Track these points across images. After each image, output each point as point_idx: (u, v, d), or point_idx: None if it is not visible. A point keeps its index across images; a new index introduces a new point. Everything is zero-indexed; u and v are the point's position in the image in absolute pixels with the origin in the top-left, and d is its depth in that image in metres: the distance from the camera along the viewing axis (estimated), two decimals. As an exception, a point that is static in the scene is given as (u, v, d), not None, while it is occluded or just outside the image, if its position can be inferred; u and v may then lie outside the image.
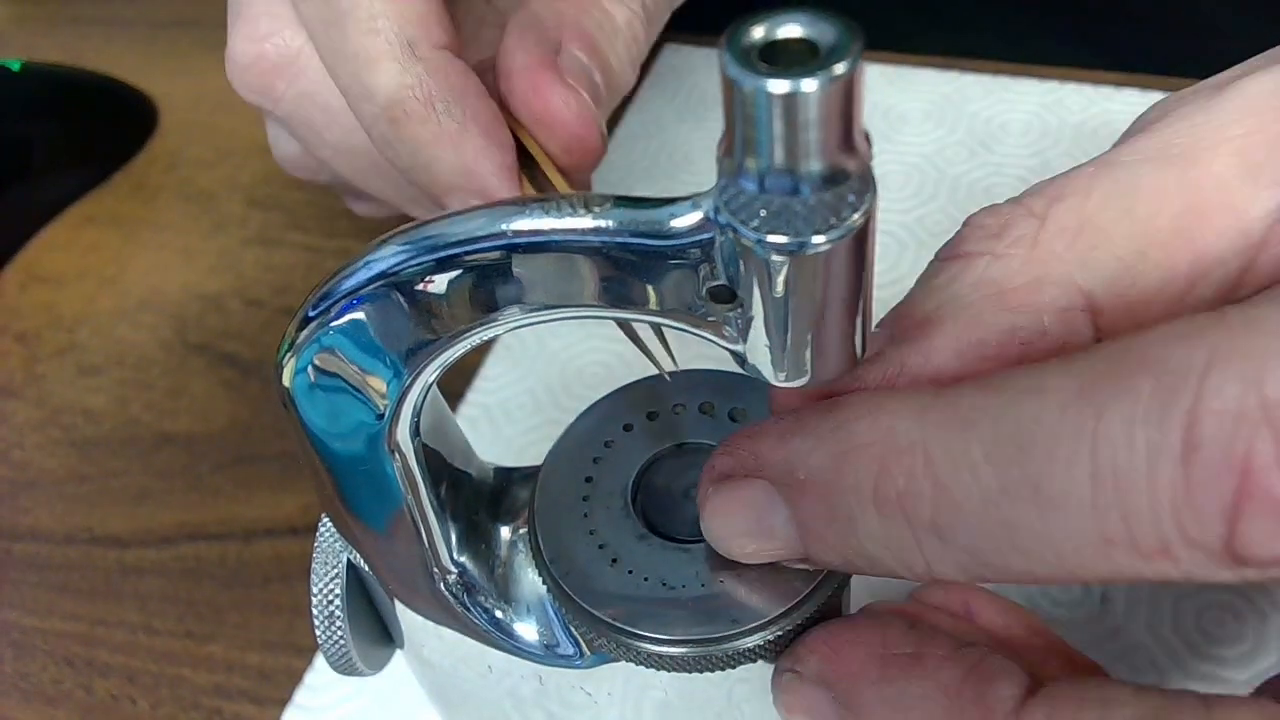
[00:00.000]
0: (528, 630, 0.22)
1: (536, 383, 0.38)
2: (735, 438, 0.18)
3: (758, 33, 0.13)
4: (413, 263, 0.17)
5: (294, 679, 0.32)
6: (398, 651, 0.25)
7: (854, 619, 0.19)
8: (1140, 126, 0.20)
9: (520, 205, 0.16)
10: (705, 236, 0.15)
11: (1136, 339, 0.14)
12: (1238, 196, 0.18)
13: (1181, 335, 0.14)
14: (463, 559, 0.22)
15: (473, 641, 0.22)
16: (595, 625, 0.19)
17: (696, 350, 0.38)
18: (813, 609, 0.19)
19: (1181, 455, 0.13)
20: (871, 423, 0.16)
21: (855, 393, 0.17)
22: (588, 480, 0.21)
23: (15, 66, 0.51)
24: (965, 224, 0.19)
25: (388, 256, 0.17)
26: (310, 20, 0.27)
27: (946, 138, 0.43)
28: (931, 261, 0.19)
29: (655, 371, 0.22)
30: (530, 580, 0.22)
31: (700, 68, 0.48)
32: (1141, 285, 0.18)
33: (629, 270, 0.16)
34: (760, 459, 0.18)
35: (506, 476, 0.23)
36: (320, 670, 0.32)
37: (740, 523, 0.18)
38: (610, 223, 0.16)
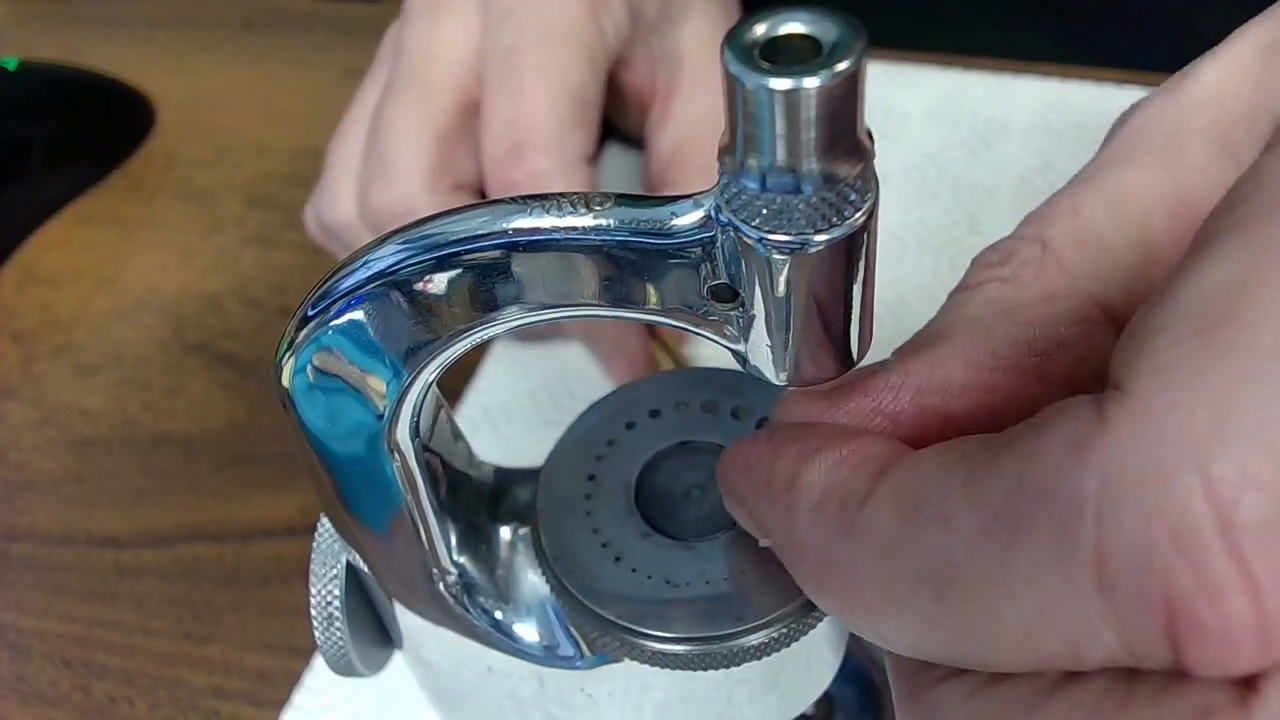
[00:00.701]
0: (527, 631, 0.22)
1: (536, 383, 0.38)
2: (726, 462, 0.19)
3: (760, 30, 0.13)
4: (412, 262, 0.17)
5: (292, 680, 0.32)
6: (397, 653, 0.25)
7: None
8: (1109, 136, 0.20)
9: (520, 204, 0.16)
10: (706, 235, 0.15)
11: (1026, 453, 0.13)
12: (1227, 179, 0.17)
13: (1068, 448, 0.13)
14: (462, 560, 0.22)
15: (472, 642, 0.22)
16: (598, 624, 0.19)
17: (697, 350, 0.38)
18: (816, 607, 0.19)
19: (1099, 592, 0.13)
20: (811, 524, 0.16)
21: (812, 460, 0.17)
22: (591, 478, 0.21)
23: (12, 65, 0.51)
24: (971, 264, 0.19)
25: (387, 256, 0.17)
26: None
27: (948, 136, 0.43)
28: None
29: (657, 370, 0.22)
30: (530, 581, 0.22)
31: (699, 67, 0.48)
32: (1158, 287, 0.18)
33: (630, 269, 0.16)
34: (741, 501, 0.18)
35: (506, 477, 0.23)
36: (319, 671, 0.32)
37: (748, 527, 0.19)
38: (611, 221, 0.16)
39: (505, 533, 0.22)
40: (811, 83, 0.13)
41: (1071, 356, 0.17)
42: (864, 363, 0.17)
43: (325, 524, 0.22)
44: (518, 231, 0.16)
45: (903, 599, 0.15)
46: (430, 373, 0.18)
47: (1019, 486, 0.13)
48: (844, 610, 0.16)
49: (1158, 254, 0.18)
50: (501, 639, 0.22)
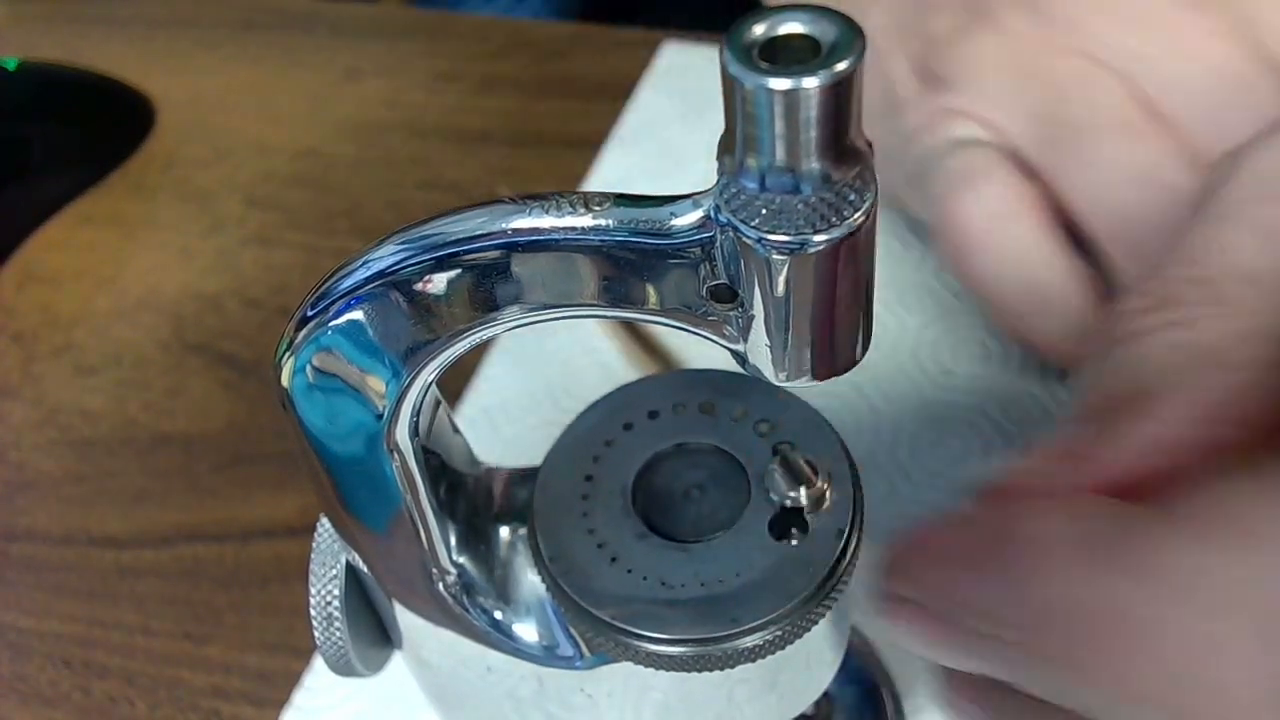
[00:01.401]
0: (527, 631, 0.22)
1: (536, 383, 0.38)
2: (904, 558, 0.17)
3: (759, 30, 0.13)
4: (411, 262, 0.17)
5: (292, 680, 0.32)
6: (396, 653, 0.25)
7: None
8: (1222, 176, 0.19)
9: (520, 204, 0.16)
10: (706, 235, 0.15)
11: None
12: None
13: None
14: (462, 560, 0.22)
15: (472, 642, 0.22)
16: (594, 625, 0.19)
17: (697, 349, 0.38)
18: (813, 608, 0.19)
19: None
20: (1096, 582, 0.14)
21: (1053, 513, 0.15)
22: (588, 479, 0.21)
23: (12, 65, 0.51)
24: (1110, 316, 0.18)
25: (386, 256, 0.17)
26: None
27: (946, 137, 0.43)
28: (1085, 367, 0.18)
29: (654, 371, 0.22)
30: (529, 581, 0.22)
31: (700, 67, 0.48)
32: None
33: (629, 269, 0.16)
34: (939, 591, 0.17)
35: (506, 477, 0.23)
36: (319, 672, 0.32)
37: (935, 653, 0.17)
38: (610, 221, 0.16)
39: (505, 533, 0.22)
40: (810, 83, 0.13)
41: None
42: (862, 363, 0.17)
43: (325, 524, 0.22)
44: (517, 231, 0.16)
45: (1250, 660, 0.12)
46: (430, 373, 0.18)
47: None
48: (1129, 687, 0.13)
49: None
50: (501, 639, 0.22)
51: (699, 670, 0.19)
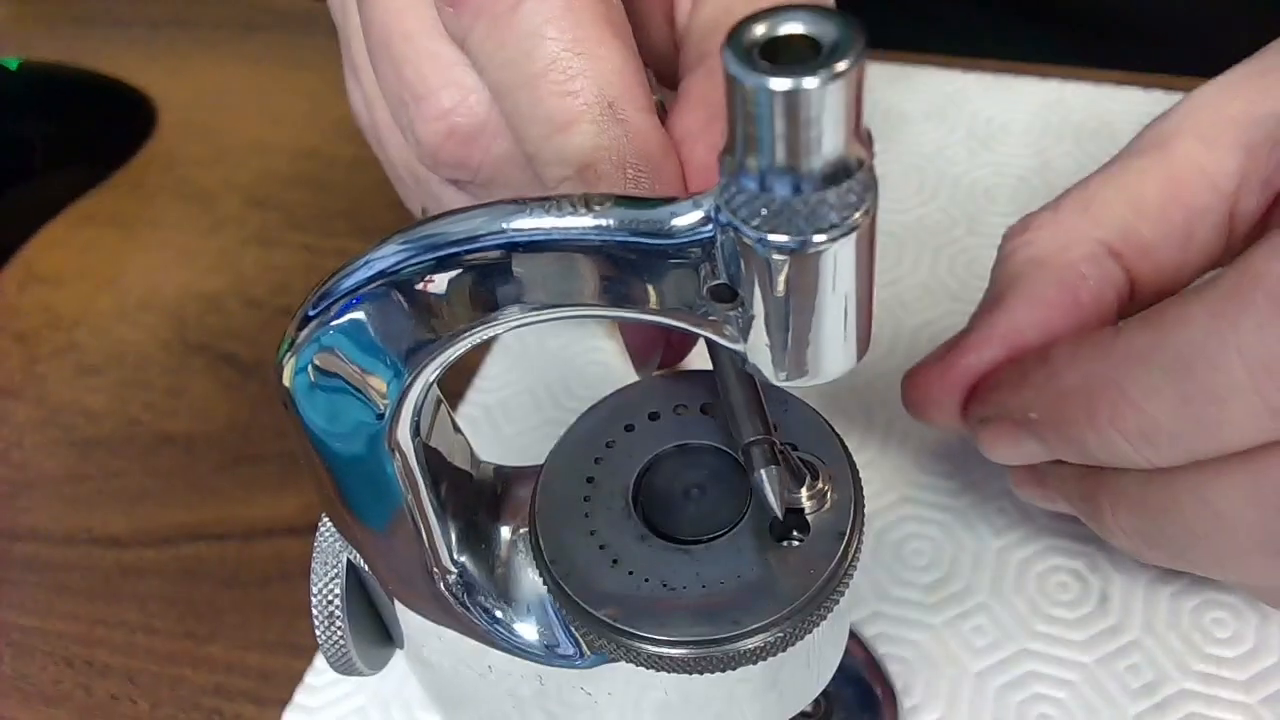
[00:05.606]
0: (528, 630, 0.22)
1: (536, 383, 0.38)
2: (985, 389, 0.25)
3: (759, 30, 0.13)
4: (413, 262, 0.17)
5: (294, 679, 0.32)
6: (397, 651, 0.25)
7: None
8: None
9: (520, 204, 0.16)
10: (706, 235, 0.15)
11: (1244, 260, 0.20)
12: (1205, 162, 0.25)
13: (1273, 249, 0.19)
14: (463, 559, 0.22)
15: (473, 641, 0.22)
16: (595, 626, 0.19)
17: (696, 349, 0.38)
18: (814, 609, 0.19)
19: None
20: (1074, 370, 0.22)
21: (1055, 347, 0.24)
22: (589, 480, 0.21)
23: (13, 65, 0.51)
24: (1002, 238, 0.27)
25: (388, 256, 0.17)
26: (497, 85, 0.25)
27: (947, 137, 0.43)
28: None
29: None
30: (530, 580, 0.22)
31: (700, 67, 0.48)
32: (1148, 236, 0.25)
33: (629, 269, 0.16)
34: (1003, 407, 0.25)
35: (506, 476, 0.23)
36: (320, 670, 0.32)
37: (1004, 450, 0.25)
38: (611, 221, 0.16)
39: (505, 532, 0.22)
40: (810, 83, 0.13)
41: (1094, 285, 0.25)
42: (862, 363, 0.17)
43: (326, 523, 0.22)
44: (517, 231, 0.16)
45: (1159, 391, 0.21)
46: (431, 372, 0.18)
47: (1239, 276, 0.20)
48: (1110, 431, 0.22)
49: (1149, 216, 0.25)
50: (502, 638, 0.22)
51: (700, 672, 0.19)
